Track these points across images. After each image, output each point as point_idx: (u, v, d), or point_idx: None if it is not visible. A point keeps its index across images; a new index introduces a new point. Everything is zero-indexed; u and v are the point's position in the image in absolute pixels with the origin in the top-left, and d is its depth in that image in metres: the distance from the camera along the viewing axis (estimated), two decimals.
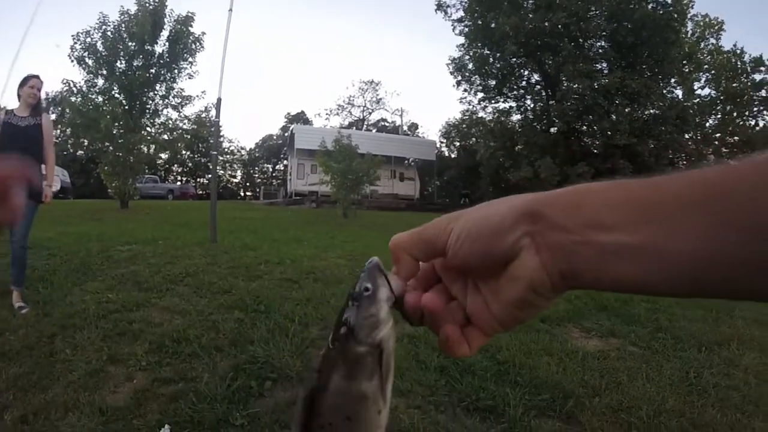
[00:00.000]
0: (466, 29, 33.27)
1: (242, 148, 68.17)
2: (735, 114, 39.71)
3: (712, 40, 40.23)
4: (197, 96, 23.57)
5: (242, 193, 65.39)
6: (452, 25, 34.24)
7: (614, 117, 28.15)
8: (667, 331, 6.19)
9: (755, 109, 39.10)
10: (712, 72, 39.43)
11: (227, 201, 35.15)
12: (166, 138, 22.30)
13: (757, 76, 38.39)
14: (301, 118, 62.28)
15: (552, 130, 29.65)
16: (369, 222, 19.35)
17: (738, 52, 39.10)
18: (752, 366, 5.40)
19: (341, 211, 21.53)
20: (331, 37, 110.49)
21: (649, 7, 29.33)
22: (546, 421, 3.59)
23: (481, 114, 36.46)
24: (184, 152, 54.37)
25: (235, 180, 69.13)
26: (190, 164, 60.66)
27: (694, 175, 0.36)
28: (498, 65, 32.72)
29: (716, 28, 39.92)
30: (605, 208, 0.39)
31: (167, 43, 20.74)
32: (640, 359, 5.15)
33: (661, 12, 29.40)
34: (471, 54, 33.59)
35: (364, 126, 61.18)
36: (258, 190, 60.43)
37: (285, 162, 57.12)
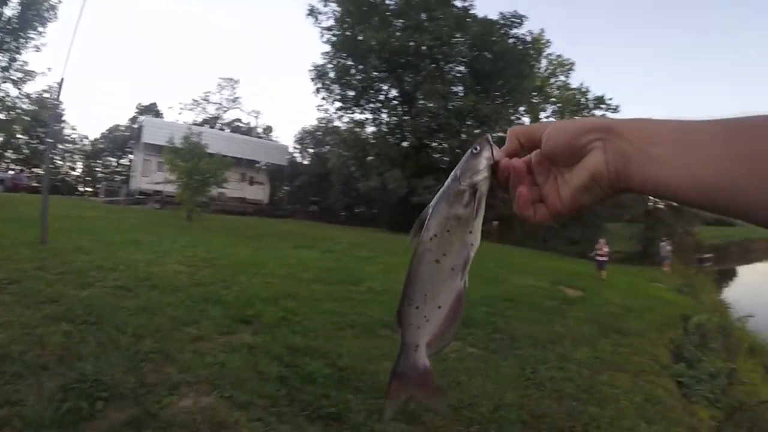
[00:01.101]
0: (334, 38, 33.48)
1: (85, 137, 60.96)
2: None
3: (562, 78, 45.04)
4: (42, 72, 20.82)
5: (82, 189, 57.70)
6: (321, 32, 34.34)
7: (464, 136, 29.69)
8: (503, 332, 6.46)
9: None
10: (559, 105, 44.14)
11: (63, 197, 31.83)
12: (2, 118, 19.81)
13: (598, 112, 42.12)
14: (152, 110, 58.27)
15: (404, 144, 30.66)
16: (214, 226, 18.66)
17: (583, 90, 43.51)
18: (584, 359, 5.77)
19: (185, 214, 20.33)
20: (194, 25, 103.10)
21: (510, 41, 32.00)
22: (390, 424, 3.56)
23: (337, 123, 36.89)
24: (20, 136, 48.62)
25: (74, 173, 61.33)
26: (26, 151, 53.51)
27: (723, 119, 0.51)
28: (359, 77, 33.24)
29: (567, 67, 44.69)
30: (655, 132, 0.55)
31: (19, 7, 18.40)
32: (479, 359, 5.31)
33: (520, 47, 32.26)
34: (334, 63, 33.81)
35: (218, 125, 58.44)
36: (99, 186, 53.61)
37: (131, 156, 51.45)
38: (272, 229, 20.20)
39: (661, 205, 38.98)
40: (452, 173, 0.71)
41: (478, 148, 0.70)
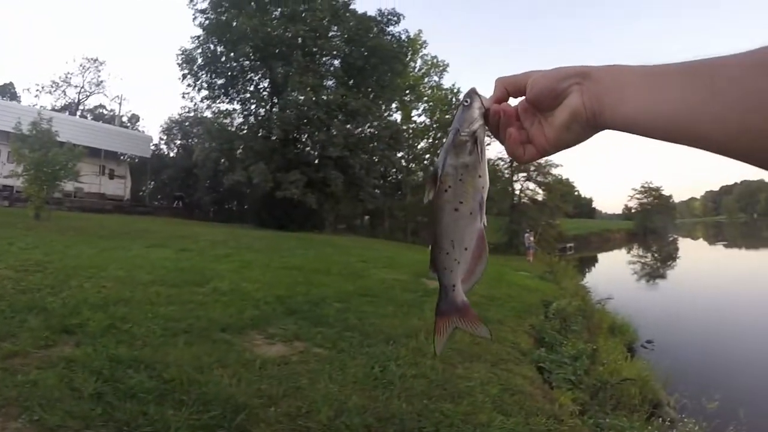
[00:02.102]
0: (207, 21, 31.83)
1: None
2: (444, 140, 45.25)
3: (435, 78, 46.23)
4: None
5: None
6: (194, 14, 32.45)
7: (333, 131, 29.39)
8: (355, 329, 6.12)
9: None
10: (431, 104, 45.35)
11: None
12: None
13: None
14: (8, 92, 53.52)
15: (272, 137, 29.85)
16: (65, 225, 16.93)
17: (455, 90, 44.70)
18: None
19: (33, 212, 18.13)
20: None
21: (386, 38, 32.42)
22: None
23: (206, 113, 35.33)
24: None
25: None
26: None
27: (683, 61, 0.58)
28: (229, 65, 32.13)
29: (441, 68, 46.05)
30: (624, 75, 0.63)
31: None
32: (325, 360, 4.94)
33: (395, 45, 32.68)
34: (204, 48, 32.39)
35: (80, 111, 53.80)
36: None
37: None
38: (127, 227, 18.74)
39: (525, 200, 41.15)
40: (451, 128, 0.79)
41: (469, 100, 0.79)
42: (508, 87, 0.76)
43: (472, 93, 0.79)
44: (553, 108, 0.70)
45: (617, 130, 0.65)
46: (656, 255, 47.14)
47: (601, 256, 47.88)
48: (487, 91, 0.81)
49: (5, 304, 5.68)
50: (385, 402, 4.10)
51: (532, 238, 27.79)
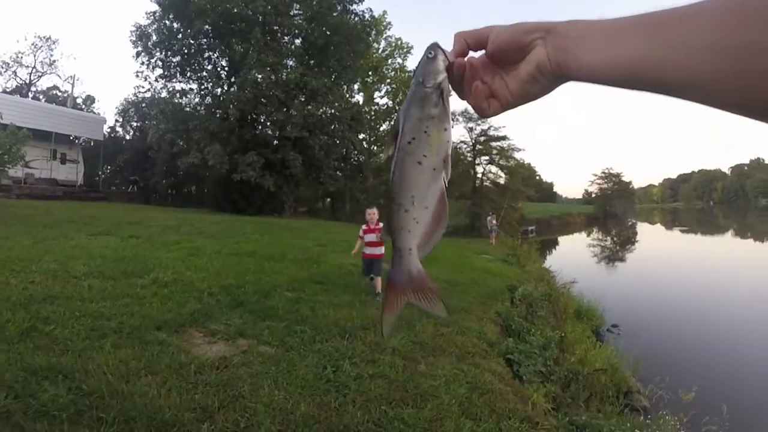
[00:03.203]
0: None
1: None
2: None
3: (399, 60, 46.01)
4: None
5: None
6: None
7: (292, 111, 28.55)
8: (307, 321, 5.64)
9: None
10: (393, 86, 45.12)
11: None
12: None
13: None
14: None
15: (229, 117, 28.77)
16: (9, 214, 15.81)
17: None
18: (400, 347, 5.09)
19: None
20: None
21: (349, 17, 31.59)
22: None
23: (162, 93, 33.72)
24: None
25: None
26: None
27: (643, 13, 0.59)
28: (185, 42, 30.84)
29: (405, 50, 45.72)
30: (587, 28, 0.64)
31: None
32: (270, 361, 4.41)
33: (358, 24, 31.83)
34: (159, 25, 30.97)
35: (32, 93, 50.86)
36: None
37: None
38: (76, 214, 17.69)
39: (487, 183, 41.11)
40: (413, 80, 0.76)
41: (432, 52, 0.76)
42: (468, 40, 0.75)
43: (435, 46, 0.77)
44: (515, 62, 0.71)
45: (582, 81, 0.66)
46: (616, 239, 47.77)
47: (562, 239, 48.25)
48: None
49: None
50: (338, 410, 3.62)
51: (494, 222, 27.53)
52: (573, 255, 32.33)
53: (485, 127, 41.02)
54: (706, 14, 0.53)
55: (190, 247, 11.03)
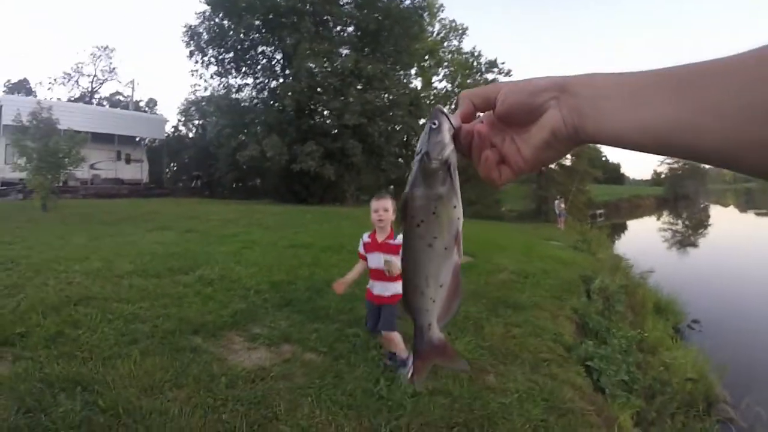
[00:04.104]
0: None
1: None
2: None
3: (455, 42, 44.88)
4: None
5: None
6: None
7: (349, 99, 28.13)
8: (361, 323, 4.96)
9: None
10: (451, 69, 44.12)
11: None
12: None
13: (490, 76, 42.99)
14: (23, 87, 52.44)
15: (285, 109, 28.68)
16: (71, 213, 16.25)
17: (476, 54, 43.56)
18: (465, 352, 4.44)
19: (39, 203, 17.42)
20: None
21: (400, 0, 31.01)
22: None
23: (220, 90, 34.08)
24: None
25: None
26: None
27: (669, 69, 0.54)
28: (236, 38, 30.92)
29: (460, 32, 44.57)
30: (605, 87, 0.58)
31: None
32: (315, 372, 3.83)
33: (408, 6, 31.14)
34: (209, 23, 31.24)
35: (96, 99, 53.11)
36: None
37: None
38: (138, 210, 17.96)
39: (552, 165, 39.61)
40: (417, 154, 0.71)
41: (437, 121, 0.70)
42: (475, 101, 0.69)
43: (438, 113, 0.71)
44: (527, 123, 0.65)
45: (602, 144, 0.61)
46: (688, 222, 44.90)
47: (631, 224, 45.89)
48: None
49: None
50: None
51: (563, 205, 26.25)
52: (643, 240, 30.39)
53: None
54: (738, 73, 0.48)
55: (245, 239, 10.72)
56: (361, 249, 4.02)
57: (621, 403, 4.36)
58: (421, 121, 38.27)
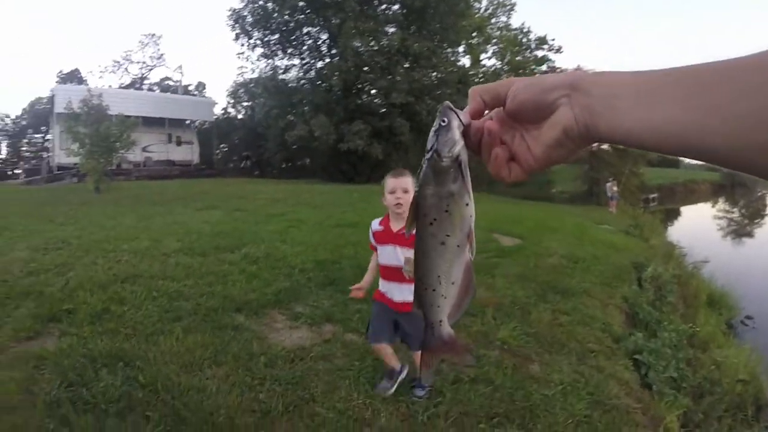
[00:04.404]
0: None
1: (6, 116, 55.17)
2: None
3: (503, 18, 43.85)
4: None
5: (12, 172, 48.93)
6: None
7: (396, 77, 28.08)
8: None
9: None
10: (500, 46, 43.14)
11: None
12: None
13: (540, 53, 42.23)
14: (75, 77, 53.90)
15: (332, 88, 28.80)
16: (123, 195, 16.68)
17: (525, 30, 42.51)
18: (510, 339, 4.29)
19: (92, 185, 18.20)
20: None
21: None
22: None
23: (267, 72, 34.39)
24: None
25: (0, 156, 55.37)
26: None
27: (680, 69, 0.53)
28: (280, 19, 31.09)
29: (508, 7, 43.51)
30: (617, 86, 0.57)
31: None
32: (355, 354, 3.77)
33: None
34: (252, 6, 31.55)
35: (146, 85, 54.47)
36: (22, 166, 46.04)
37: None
38: (187, 190, 18.35)
39: (605, 146, 38.61)
40: (427, 152, 0.70)
41: (446, 119, 0.69)
42: (485, 97, 0.68)
43: (447, 110, 0.69)
44: (537, 121, 0.64)
45: (613, 143, 0.62)
46: (744, 211, 42.95)
47: (685, 209, 44.18)
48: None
49: (3, 290, 5.02)
50: (426, 425, 2.91)
51: (615, 188, 25.45)
52: (697, 228, 29.17)
53: None
54: (752, 72, 0.47)
55: (292, 219, 10.77)
56: (371, 237, 3.28)
57: (668, 402, 4.14)
58: None
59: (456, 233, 0.71)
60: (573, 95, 0.60)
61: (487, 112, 0.69)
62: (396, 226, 3.10)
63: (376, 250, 3.26)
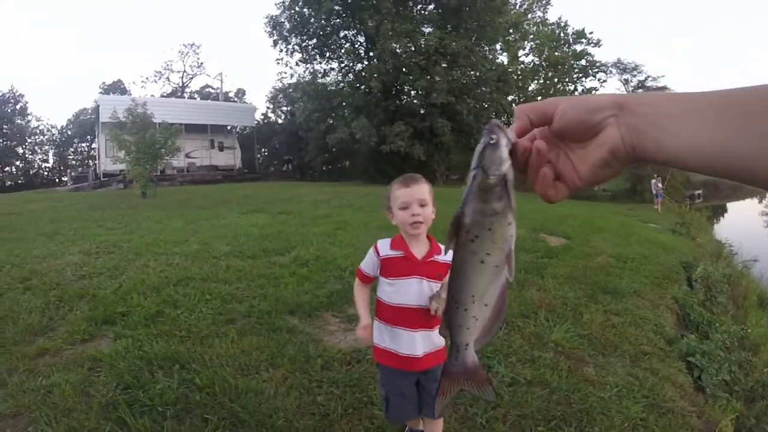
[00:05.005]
0: None
1: (53, 127, 57.83)
2: (556, 80, 42.92)
3: (539, 13, 43.80)
4: None
5: (59, 179, 53.72)
6: None
7: (435, 77, 28.03)
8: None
9: (575, 75, 42.63)
10: (537, 42, 42.84)
11: (29, 192, 29.86)
12: None
13: (578, 47, 41.77)
14: (118, 88, 55.89)
15: (372, 90, 29.00)
16: (169, 200, 17.12)
17: (562, 24, 42.29)
18: (564, 341, 4.24)
19: (138, 191, 18.75)
20: None
21: None
22: None
23: (306, 77, 34.93)
24: None
25: (47, 165, 58.29)
26: None
27: (717, 92, 0.55)
28: (318, 24, 31.40)
29: (544, 2, 43.44)
30: (663, 106, 0.58)
31: None
32: None
33: None
34: (290, 12, 32.14)
35: (187, 94, 56.17)
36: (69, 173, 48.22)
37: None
38: (230, 195, 18.64)
39: None
40: (473, 169, 0.69)
41: (495, 137, 0.67)
42: (531, 116, 0.69)
43: (496, 128, 0.68)
44: (583, 140, 0.65)
45: (658, 164, 0.61)
46: None
47: (732, 205, 42.65)
48: None
49: (57, 293, 5.13)
50: (485, 427, 2.86)
51: (660, 185, 24.81)
52: (745, 225, 28.13)
53: (642, 77, 38.57)
54: None
55: (338, 220, 10.81)
56: (370, 268, 2.35)
57: (722, 405, 4.05)
58: (510, 98, 37.65)
59: (496, 252, 0.70)
60: (620, 115, 0.61)
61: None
62: (419, 251, 2.25)
63: (369, 281, 2.42)
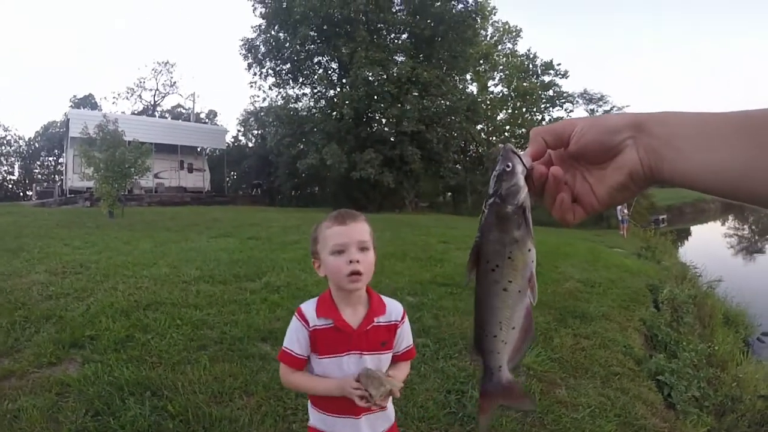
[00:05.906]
0: (266, 10, 31.81)
1: (20, 138, 56.16)
2: (524, 110, 43.90)
3: (509, 45, 44.66)
4: None
5: (24, 193, 52.53)
6: (253, 5, 32.64)
7: (406, 105, 28.36)
8: (429, 333, 4.98)
9: (542, 105, 43.63)
10: (507, 72, 43.70)
11: None
12: None
13: (546, 78, 42.79)
14: (89, 102, 55.27)
15: (344, 117, 29.05)
16: (137, 220, 16.75)
17: (531, 56, 43.07)
18: (535, 365, 4.28)
19: (105, 210, 18.12)
20: (123, 5, 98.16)
21: (453, 4, 31.07)
22: None
23: (278, 101, 35.00)
24: None
25: (12, 177, 56.72)
26: None
27: (734, 113, 0.55)
28: (292, 49, 31.71)
29: (514, 34, 44.38)
30: (680, 127, 0.58)
31: None
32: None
33: (461, 10, 31.30)
34: (265, 36, 32.28)
35: (158, 112, 55.75)
36: (35, 188, 46.84)
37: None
38: (200, 217, 18.39)
39: None
40: (490, 197, 0.69)
41: (510, 164, 0.67)
42: (546, 138, 0.68)
43: (510, 154, 0.68)
44: (600, 162, 0.64)
45: (673, 185, 0.60)
46: (754, 228, 42.66)
47: (696, 229, 43.79)
48: None
49: (23, 313, 4.99)
50: None
51: (626, 210, 25.28)
52: (709, 247, 28.95)
53: (607, 108, 39.48)
54: None
55: (308, 247, 10.55)
56: (299, 347, 1.69)
57: (693, 420, 4.16)
58: (479, 127, 38.09)
59: (518, 279, 0.71)
60: (638, 137, 0.60)
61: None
62: (354, 315, 1.70)
63: (301, 366, 1.72)
